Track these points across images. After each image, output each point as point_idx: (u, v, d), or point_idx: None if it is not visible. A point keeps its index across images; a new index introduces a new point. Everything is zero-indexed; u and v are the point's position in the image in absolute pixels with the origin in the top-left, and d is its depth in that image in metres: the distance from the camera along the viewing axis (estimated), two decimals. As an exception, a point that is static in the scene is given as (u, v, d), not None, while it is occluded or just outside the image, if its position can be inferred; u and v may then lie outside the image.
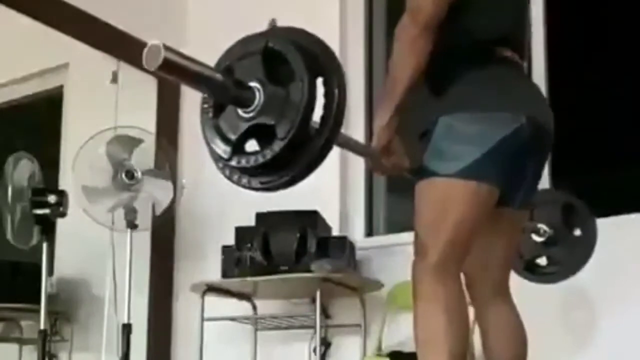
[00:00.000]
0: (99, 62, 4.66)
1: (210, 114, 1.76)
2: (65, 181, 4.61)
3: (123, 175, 4.01)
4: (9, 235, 3.98)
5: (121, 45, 4.43)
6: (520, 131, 2.11)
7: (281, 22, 4.49)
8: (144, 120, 4.39)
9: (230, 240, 3.98)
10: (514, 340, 2.26)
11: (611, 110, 3.86)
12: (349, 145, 2.16)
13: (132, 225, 3.98)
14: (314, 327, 3.82)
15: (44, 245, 3.72)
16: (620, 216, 3.52)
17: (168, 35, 4.58)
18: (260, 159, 1.68)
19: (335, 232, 4.07)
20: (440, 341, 2.02)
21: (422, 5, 2.09)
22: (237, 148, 1.72)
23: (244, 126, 1.70)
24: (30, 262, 4.21)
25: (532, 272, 3.00)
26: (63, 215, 3.72)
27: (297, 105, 1.65)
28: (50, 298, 3.89)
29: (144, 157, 4.09)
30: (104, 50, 4.48)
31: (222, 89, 1.68)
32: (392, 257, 3.96)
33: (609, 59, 3.91)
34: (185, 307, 4.47)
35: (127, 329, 3.90)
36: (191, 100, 4.75)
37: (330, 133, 1.70)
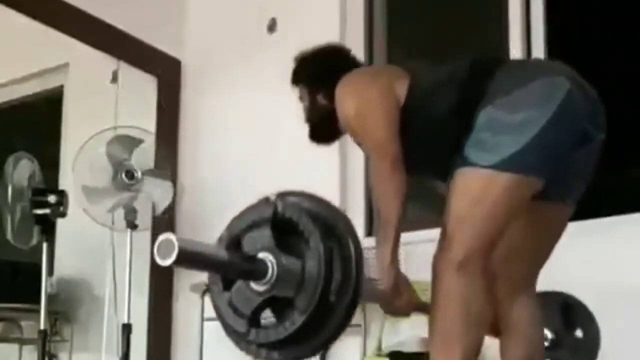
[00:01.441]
0: (99, 62, 4.65)
1: (220, 287, 1.70)
2: (65, 181, 4.61)
3: (123, 175, 4.01)
4: (9, 235, 3.99)
5: (121, 45, 4.43)
6: (569, 99, 1.99)
7: (281, 23, 4.48)
8: (144, 120, 4.38)
9: (230, 240, 3.97)
10: (529, 340, 2.21)
11: (611, 110, 3.85)
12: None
13: (132, 225, 3.99)
14: (314, 327, 3.82)
15: (44, 245, 3.72)
16: (620, 216, 3.52)
17: (168, 35, 4.59)
18: (282, 333, 1.61)
19: (335, 232, 4.06)
20: (454, 340, 1.97)
21: (380, 143, 2.10)
22: (253, 322, 1.66)
23: (258, 300, 1.64)
24: (30, 262, 4.21)
25: None
26: (63, 215, 3.72)
27: (314, 278, 1.59)
28: (50, 298, 3.90)
29: (144, 157, 4.09)
30: (104, 50, 4.47)
31: (233, 268, 1.64)
32: (392, 257, 3.95)
33: (609, 58, 3.91)
34: (185, 307, 4.47)
35: (127, 329, 3.90)
36: (191, 99, 4.75)
37: (352, 297, 1.64)
